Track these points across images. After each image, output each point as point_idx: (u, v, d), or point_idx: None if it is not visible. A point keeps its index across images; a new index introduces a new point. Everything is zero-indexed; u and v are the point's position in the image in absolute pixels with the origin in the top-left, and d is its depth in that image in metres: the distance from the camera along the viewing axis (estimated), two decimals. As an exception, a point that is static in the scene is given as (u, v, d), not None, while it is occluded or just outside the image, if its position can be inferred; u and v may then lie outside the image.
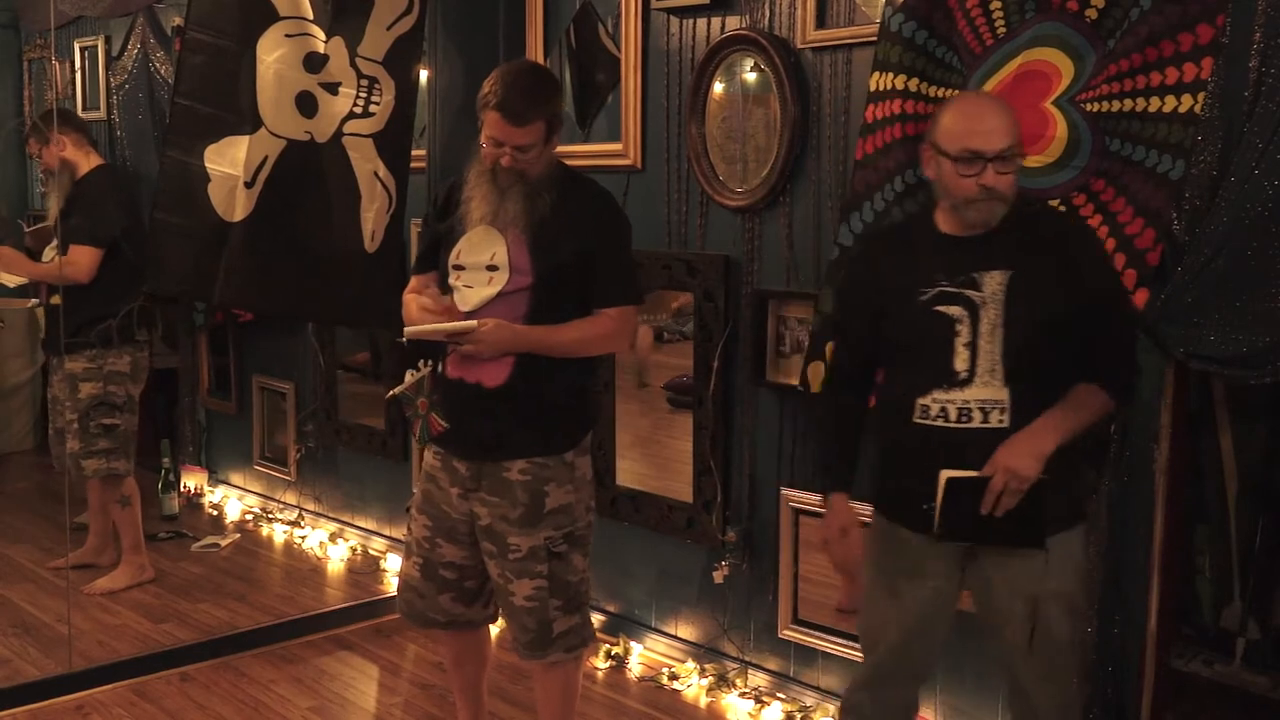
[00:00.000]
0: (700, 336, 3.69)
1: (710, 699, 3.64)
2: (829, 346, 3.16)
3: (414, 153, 4.01)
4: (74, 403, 4.40)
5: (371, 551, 4.95)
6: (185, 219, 3.72)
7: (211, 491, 5.85)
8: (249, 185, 3.72)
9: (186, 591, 4.57)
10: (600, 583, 3.87)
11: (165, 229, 3.75)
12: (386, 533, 4.98)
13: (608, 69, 3.95)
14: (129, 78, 5.96)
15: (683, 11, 3.69)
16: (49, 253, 4.53)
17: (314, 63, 3.76)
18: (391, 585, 4.53)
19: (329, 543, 5.05)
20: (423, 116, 4.12)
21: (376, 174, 3.87)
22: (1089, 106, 2.72)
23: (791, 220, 3.47)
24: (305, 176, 3.79)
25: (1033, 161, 2.71)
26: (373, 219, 3.88)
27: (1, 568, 4.82)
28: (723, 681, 3.65)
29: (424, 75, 4.07)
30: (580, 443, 2.87)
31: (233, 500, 5.71)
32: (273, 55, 3.70)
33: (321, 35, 3.78)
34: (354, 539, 5.07)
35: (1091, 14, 2.71)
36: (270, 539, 5.27)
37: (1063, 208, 2.74)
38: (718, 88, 3.62)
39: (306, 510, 5.37)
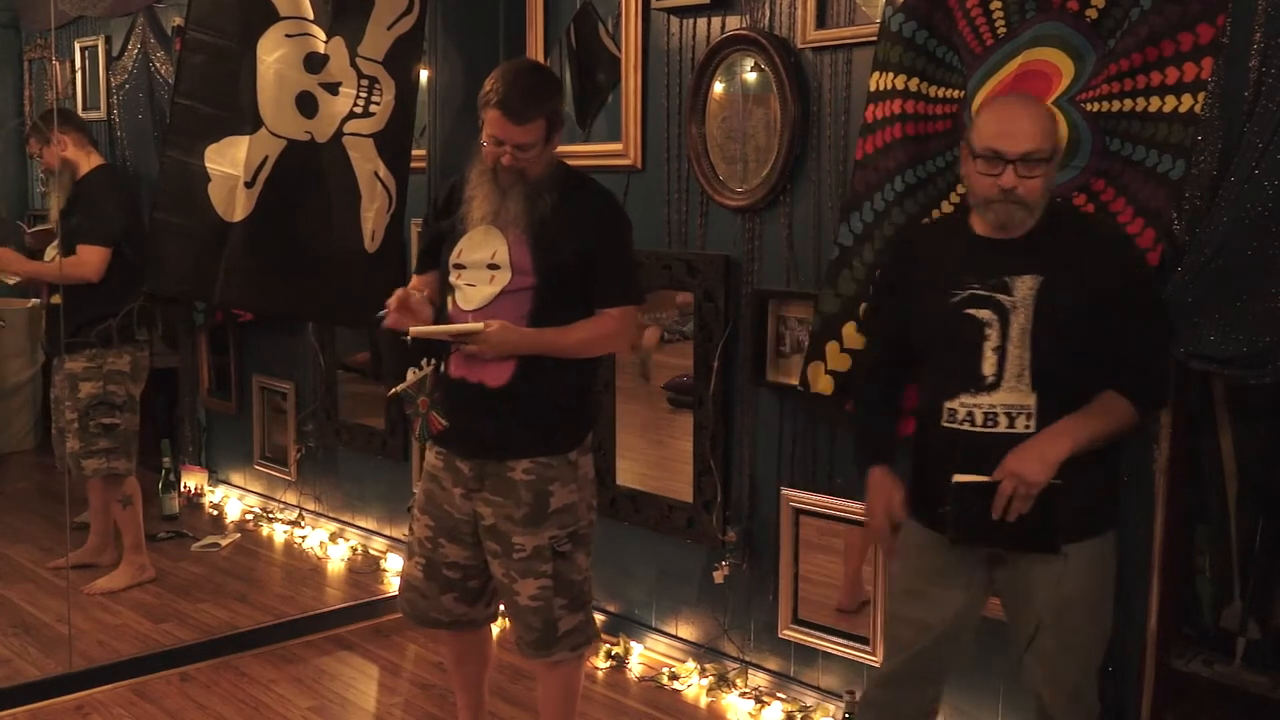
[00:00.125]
0: (700, 336, 3.69)
1: (710, 699, 3.64)
2: (829, 346, 3.18)
3: (414, 153, 4.01)
4: (74, 402, 4.40)
5: (372, 551, 4.95)
6: (185, 219, 3.72)
7: (212, 491, 5.85)
8: (249, 185, 3.72)
9: (187, 591, 4.57)
10: (600, 583, 3.87)
11: (165, 229, 3.75)
12: (387, 533, 4.98)
13: (608, 69, 3.95)
14: (129, 78, 5.96)
15: (683, 11, 3.69)
16: (50, 252, 4.54)
17: (314, 63, 3.77)
18: (392, 585, 4.53)
19: (329, 543, 5.05)
20: (423, 116, 4.12)
21: (377, 174, 3.87)
22: (1089, 106, 2.72)
23: (791, 220, 3.47)
24: (305, 176, 3.79)
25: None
26: (373, 219, 3.88)
27: (1, 568, 4.82)
28: (723, 681, 3.66)
29: (424, 75, 4.07)
30: (583, 442, 2.88)
31: (233, 500, 5.71)
32: (273, 55, 3.70)
33: (322, 35, 3.78)
34: (354, 539, 5.07)
35: (1092, 14, 2.71)
36: (270, 539, 5.27)
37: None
38: (718, 88, 3.62)
39: (306, 510, 5.37)
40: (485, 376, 2.75)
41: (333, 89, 3.79)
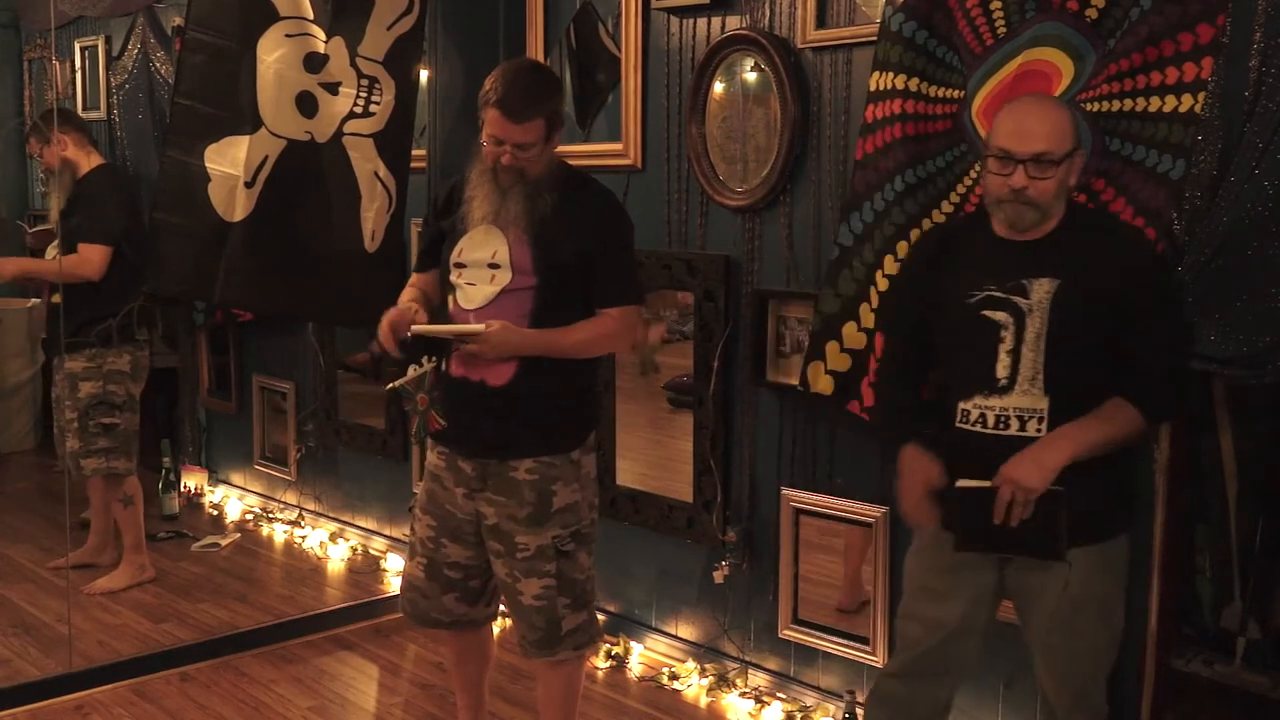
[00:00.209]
0: (700, 336, 3.69)
1: (710, 699, 3.64)
2: (829, 346, 3.18)
3: (414, 153, 4.01)
4: (74, 402, 4.40)
5: (372, 551, 4.95)
6: (185, 219, 3.72)
7: (212, 491, 5.85)
8: (249, 185, 3.72)
9: (187, 591, 4.57)
10: (600, 582, 3.86)
11: (165, 229, 3.75)
12: (386, 532, 4.98)
13: (608, 69, 3.95)
14: (129, 78, 5.96)
15: (683, 11, 3.69)
16: (50, 252, 4.54)
17: (314, 63, 3.77)
18: (391, 585, 4.54)
19: (329, 543, 5.05)
20: (423, 116, 4.12)
21: (376, 174, 3.87)
22: (1089, 106, 2.72)
23: (791, 220, 3.47)
24: (305, 176, 3.79)
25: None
26: (373, 219, 3.88)
27: (1, 568, 4.82)
28: (723, 681, 3.65)
29: (424, 75, 4.07)
30: (585, 441, 2.88)
31: (233, 500, 5.71)
32: (273, 55, 3.70)
33: (321, 35, 3.78)
34: (354, 539, 5.07)
35: (1092, 14, 2.71)
36: (270, 539, 5.27)
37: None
38: (718, 88, 3.62)
39: (306, 510, 5.37)
40: (487, 376, 2.75)
41: (333, 89, 3.79)
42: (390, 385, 2.80)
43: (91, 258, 4.30)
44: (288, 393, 5.42)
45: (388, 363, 4.61)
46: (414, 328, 2.70)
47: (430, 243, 2.97)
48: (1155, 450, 2.75)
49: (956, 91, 2.95)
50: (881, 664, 3.30)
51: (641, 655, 3.92)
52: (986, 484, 2.36)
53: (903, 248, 2.99)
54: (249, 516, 5.51)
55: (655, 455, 3.93)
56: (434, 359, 2.82)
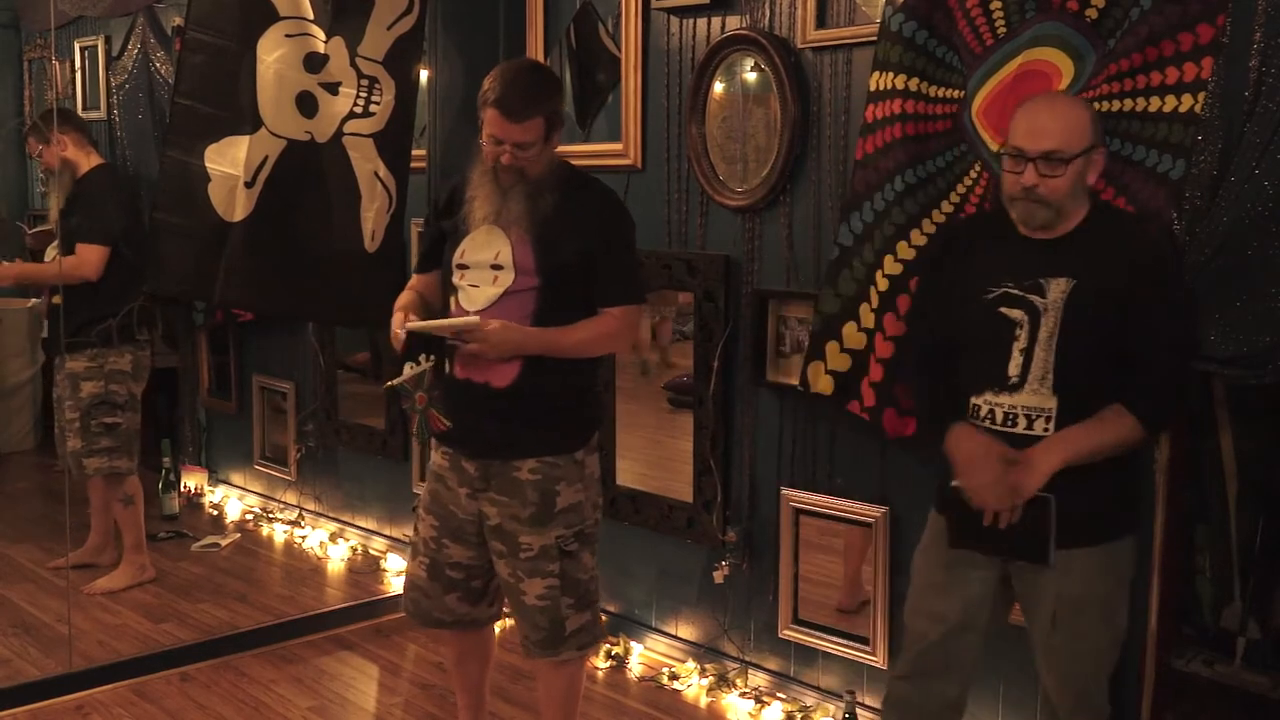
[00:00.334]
0: (700, 336, 3.69)
1: (710, 699, 3.64)
2: (829, 346, 3.18)
3: (414, 153, 4.01)
4: (75, 401, 4.40)
5: (372, 551, 4.95)
6: (185, 219, 3.72)
7: (212, 491, 5.85)
8: (249, 185, 3.72)
9: (187, 591, 4.57)
10: (600, 583, 3.87)
11: (165, 229, 3.75)
12: (387, 532, 4.98)
13: (608, 69, 3.95)
14: (129, 78, 5.96)
15: (683, 11, 3.69)
16: (50, 252, 4.54)
17: (314, 63, 3.76)
18: (392, 585, 4.54)
19: (329, 543, 5.05)
20: (423, 116, 4.12)
21: (377, 174, 3.87)
22: (1089, 106, 2.72)
23: (791, 220, 3.47)
24: (305, 176, 3.79)
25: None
26: (373, 219, 3.88)
27: (1, 568, 4.82)
28: (723, 681, 3.65)
29: (424, 75, 4.07)
30: (589, 441, 2.88)
31: (233, 500, 5.71)
32: (273, 55, 3.70)
33: (321, 35, 3.78)
34: (354, 539, 5.07)
35: (1092, 14, 2.71)
36: (270, 539, 5.27)
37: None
38: (718, 88, 3.62)
39: (306, 510, 5.37)
40: (491, 376, 2.75)
41: (333, 89, 3.79)
42: (388, 384, 2.79)
43: (89, 258, 4.30)
44: (288, 393, 5.42)
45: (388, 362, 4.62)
46: (408, 324, 2.69)
47: (431, 244, 2.96)
48: (1155, 450, 2.75)
49: (956, 91, 2.95)
50: (882, 664, 3.31)
51: (641, 655, 3.92)
52: None
53: (903, 248, 3.00)
54: (249, 516, 5.51)
55: (655, 455, 3.93)
56: (431, 357, 2.81)
